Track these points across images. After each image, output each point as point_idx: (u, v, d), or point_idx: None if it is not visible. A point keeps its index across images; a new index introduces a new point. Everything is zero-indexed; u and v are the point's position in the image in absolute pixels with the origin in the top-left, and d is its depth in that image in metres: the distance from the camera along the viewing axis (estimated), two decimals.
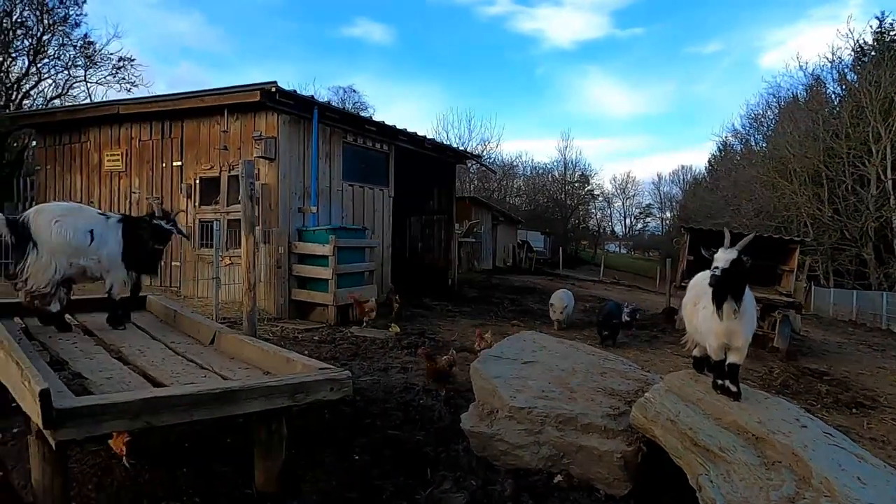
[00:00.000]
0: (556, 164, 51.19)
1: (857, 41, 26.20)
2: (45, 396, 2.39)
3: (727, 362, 3.64)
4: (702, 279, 4.03)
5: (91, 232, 4.70)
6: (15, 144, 17.64)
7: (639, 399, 3.68)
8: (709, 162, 43.90)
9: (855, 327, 18.15)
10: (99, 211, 5.09)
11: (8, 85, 17.44)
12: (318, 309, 9.22)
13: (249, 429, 3.43)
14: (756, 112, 33.20)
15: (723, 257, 3.37)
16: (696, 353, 4.14)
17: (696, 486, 3.12)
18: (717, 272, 3.32)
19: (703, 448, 3.20)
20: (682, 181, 57.36)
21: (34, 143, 15.09)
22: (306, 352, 6.25)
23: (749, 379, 6.86)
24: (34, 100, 18.50)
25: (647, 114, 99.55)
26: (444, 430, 4.46)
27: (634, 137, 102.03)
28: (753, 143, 33.24)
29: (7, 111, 15.80)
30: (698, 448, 3.22)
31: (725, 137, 37.31)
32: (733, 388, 3.60)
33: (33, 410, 2.50)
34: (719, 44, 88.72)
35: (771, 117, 31.71)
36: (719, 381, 3.68)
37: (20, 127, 14.88)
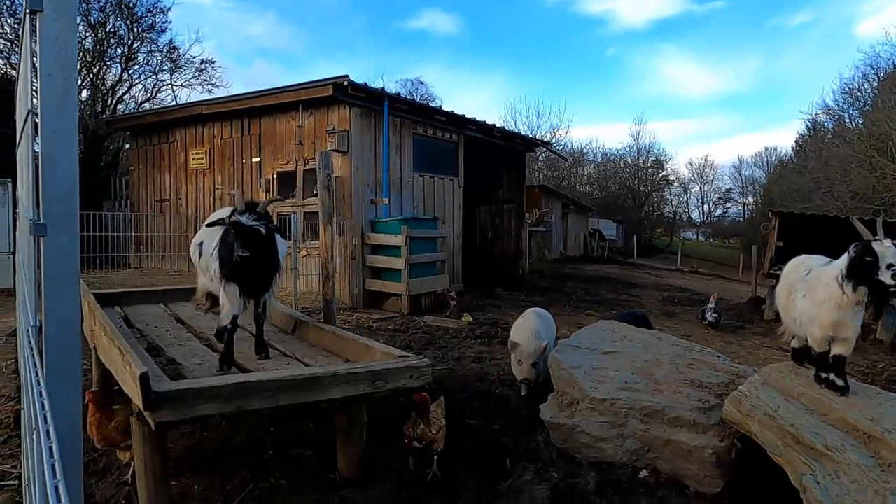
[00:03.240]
0: (628, 149, 49.50)
1: None
2: (144, 380, 2.52)
3: (832, 354, 3.36)
4: (795, 267, 3.74)
5: (200, 245, 4.11)
6: (111, 147, 18.96)
7: (732, 392, 3.46)
8: (796, 142, 40.90)
9: None
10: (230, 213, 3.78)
11: (104, 91, 18.72)
12: (391, 299, 9.34)
13: (331, 416, 3.50)
14: (851, 86, 30.49)
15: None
16: (794, 344, 3.85)
17: (799, 486, 2.89)
18: None
19: (807, 446, 2.96)
20: (765, 163, 53.89)
21: (127, 145, 16.15)
22: (381, 340, 6.33)
23: (849, 373, 6.33)
24: (127, 104, 19.80)
25: (726, 93, 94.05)
26: (523, 420, 4.39)
27: (713, 119, 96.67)
28: (848, 120, 30.67)
29: (104, 116, 16.96)
30: (801, 446, 2.99)
31: (815, 115, 34.54)
32: (839, 382, 3.32)
33: (134, 393, 2.64)
34: (808, 14, 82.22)
35: (868, 91, 29.10)
36: (823, 375, 3.41)
37: (115, 130, 15.97)
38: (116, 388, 3.71)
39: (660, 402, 3.68)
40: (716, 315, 9.14)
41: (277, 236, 3.81)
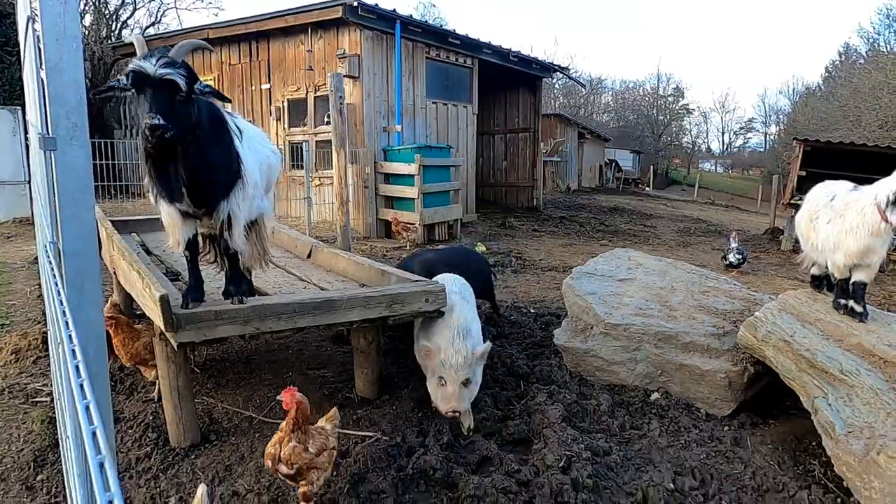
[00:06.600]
0: (648, 77, 47.89)
1: None
2: (164, 301, 2.55)
3: (852, 281, 3.32)
4: (819, 192, 3.63)
5: None
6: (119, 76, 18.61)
7: (748, 318, 3.45)
8: (826, 69, 39.12)
9: None
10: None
11: (107, 16, 18.17)
12: None
13: (348, 339, 3.56)
14: (889, 7, 28.84)
15: None
16: (814, 271, 3.81)
17: (811, 408, 2.93)
18: None
19: (821, 370, 2.98)
20: (792, 92, 51.78)
21: None
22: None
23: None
24: (132, 29, 19.23)
25: (753, 18, 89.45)
26: (536, 345, 4.46)
27: (738, 46, 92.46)
28: (883, 44, 29.16)
29: (109, 42, 16.53)
30: (815, 370, 3.00)
31: (849, 38, 32.85)
32: (858, 309, 3.30)
33: (155, 314, 2.68)
34: None
35: None
36: (842, 301, 3.38)
37: (122, 56, 15.58)
38: (139, 312, 3.78)
39: (674, 328, 3.69)
40: (739, 256, 8.51)
41: (240, 126, 2.78)
